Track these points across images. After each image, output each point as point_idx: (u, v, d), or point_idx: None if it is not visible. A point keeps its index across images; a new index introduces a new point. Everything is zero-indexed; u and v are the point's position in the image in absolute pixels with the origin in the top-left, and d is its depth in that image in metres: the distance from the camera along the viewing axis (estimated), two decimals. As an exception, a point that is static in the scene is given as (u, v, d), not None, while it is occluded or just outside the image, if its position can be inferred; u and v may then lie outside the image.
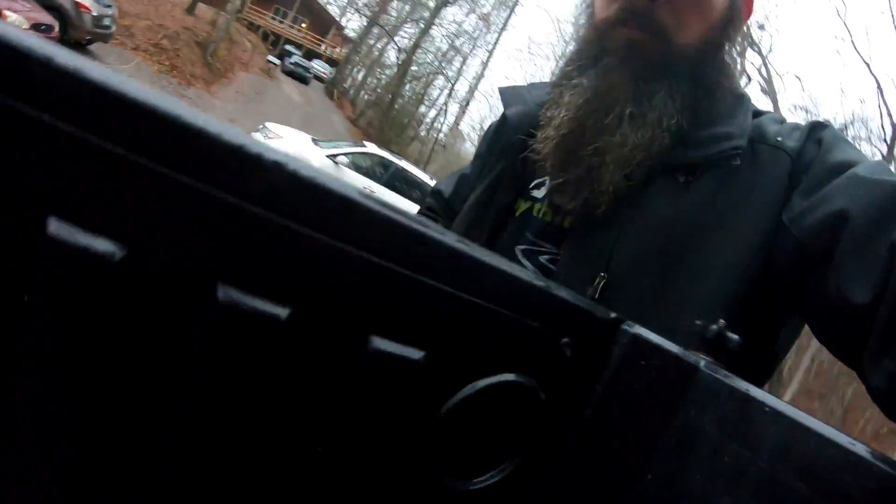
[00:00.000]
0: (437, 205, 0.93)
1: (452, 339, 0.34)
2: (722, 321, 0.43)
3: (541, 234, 0.72)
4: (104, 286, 0.26)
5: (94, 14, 7.99)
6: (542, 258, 0.71)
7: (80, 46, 8.33)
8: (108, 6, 8.57)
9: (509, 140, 0.77)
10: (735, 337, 0.42)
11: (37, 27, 6.28)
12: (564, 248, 0.68)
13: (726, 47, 0.68)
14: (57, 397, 0.26)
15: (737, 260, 0.61)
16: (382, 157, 8.48)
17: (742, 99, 0.70)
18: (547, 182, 0.72)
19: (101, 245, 0.25)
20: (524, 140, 0.74)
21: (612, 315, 0.42)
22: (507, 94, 0.82)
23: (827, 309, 0.53)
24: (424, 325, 0.32)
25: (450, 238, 0.30)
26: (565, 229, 0.70)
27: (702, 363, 0.41)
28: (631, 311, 0.61)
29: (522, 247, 0.73)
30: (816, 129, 0.66)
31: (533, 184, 0.75)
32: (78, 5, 7.70)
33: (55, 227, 0.24)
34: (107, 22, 8.51)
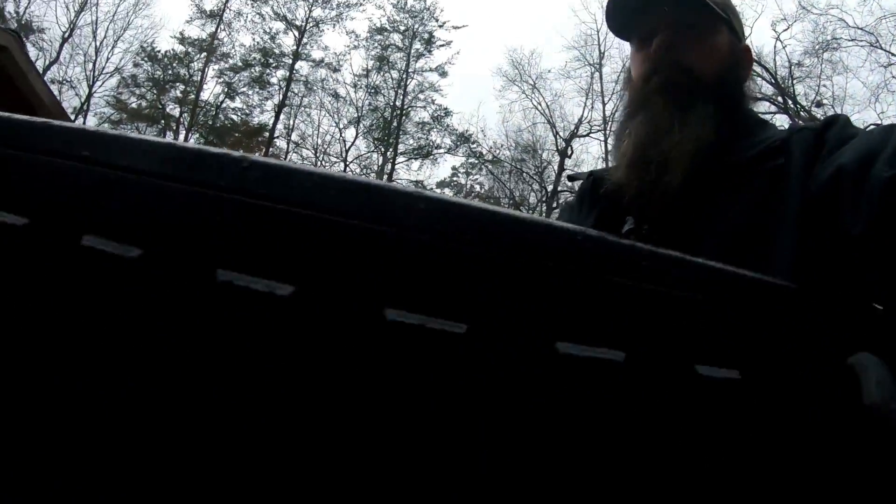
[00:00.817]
0: None
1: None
2: None
3: None
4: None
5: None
6: None
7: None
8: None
9: (588, 185, 0.95)
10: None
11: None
12: None
13: (741, 79, 0.88)
14: None
15: (797, 232, 0.69)
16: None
17: (767, 121, 0.89)
18: (628, 220, 0.84)
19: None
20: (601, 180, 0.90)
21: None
22: (575, 174, 1.10)
23: (841, 250, 0.60)
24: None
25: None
26: None
27: None
28: None
29: None
30: (833, 117, 0.79)
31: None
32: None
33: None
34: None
